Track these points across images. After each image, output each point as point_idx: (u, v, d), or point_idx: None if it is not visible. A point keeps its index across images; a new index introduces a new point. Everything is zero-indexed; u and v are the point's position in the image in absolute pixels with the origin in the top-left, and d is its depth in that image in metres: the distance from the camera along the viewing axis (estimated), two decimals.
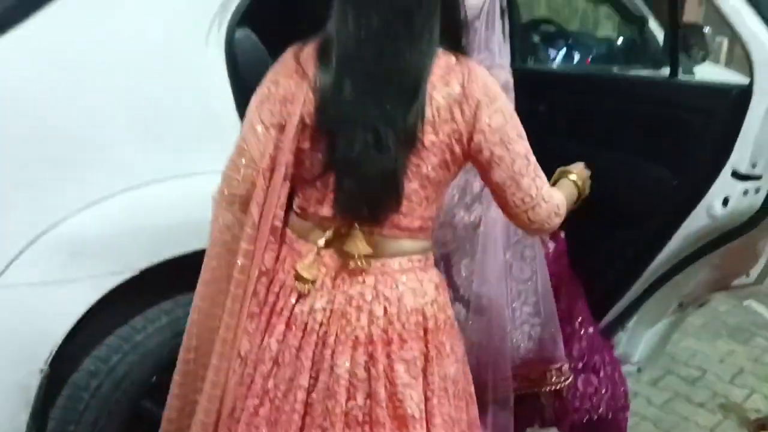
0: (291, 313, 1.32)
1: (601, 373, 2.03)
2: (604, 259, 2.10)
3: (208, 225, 1.69)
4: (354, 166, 1.21)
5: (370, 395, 1.28)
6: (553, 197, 1.32)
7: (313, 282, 1.30)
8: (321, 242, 1.31)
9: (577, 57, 3.27)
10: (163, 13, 1.67)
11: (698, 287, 2.08)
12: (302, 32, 1.35)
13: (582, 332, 2.01)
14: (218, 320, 1.40)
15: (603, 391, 2.02)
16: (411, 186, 1.25)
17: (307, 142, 1.27)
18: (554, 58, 3.20)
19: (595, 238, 2.05)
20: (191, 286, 1.76)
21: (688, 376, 3.21)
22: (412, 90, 1.19)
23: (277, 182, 1.29)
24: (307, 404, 1.30)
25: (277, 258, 1.36)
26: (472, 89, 1.22)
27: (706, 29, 2.79)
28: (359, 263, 1.28)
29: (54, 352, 1.57)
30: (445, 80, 1.22)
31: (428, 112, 1.20)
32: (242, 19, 1.79)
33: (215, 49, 1.73)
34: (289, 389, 1.31)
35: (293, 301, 1.32)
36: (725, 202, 1.76)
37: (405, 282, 1.31)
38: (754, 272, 2.06)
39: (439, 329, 1.33)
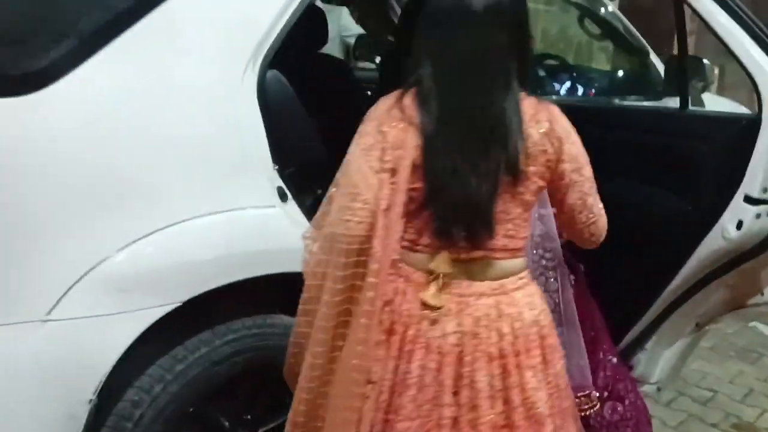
0: (426, 340, 1.43)
1: (626, 401, 2.08)
2: (622, 283, 2.17)
3: (244, 258, 1.80)
4: (468, 201, 1.37)
5: (507, 402, 1.43)
6: (603, 211, 1.52)
7: (440, 308, 1.43)
8: (444, 270, 1.44)
9: (581, 90, 3.39)
10: (203, 58, 1.77)
11: (715, 307, 2.16)
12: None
13: (606, 361, 2.07)
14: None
15: (628, 418, 2.08)
16: (516, 211, 1.43)
17: (419, 182, 1.39)
18: (559, 91, 3.31)
19: (614, 263, 2.12)
20: (227, 317, 1.85)
21: (701, 397, 3.26)
22: (509, 131, 1.37)
23: (394, 220, 1.39)
24: (454, 419, 1.43)
25: (395, 289, 1.47)
26: (556, 125, 1.42)
27: (706, 61, 2.91)
28: (494, 288, 1.45)
29: (102, 383, 1.63)
30: (536, 118, 1.40)
31: (527, 146, 1.38)
32: (272, 61, 1.90)
33: (249, 90, 1.83)
34: (434, 408, 1.43)
35: (425, 327, 1.44)
36: (739, 225, 1.86)
37: (520, 298, 1.48)
38: None
39: (549, 334, 1.51)
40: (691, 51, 1.99)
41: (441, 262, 1.43)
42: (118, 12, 1.68)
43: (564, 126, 1.44)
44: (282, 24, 1.88)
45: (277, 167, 1.89)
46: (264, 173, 1.86)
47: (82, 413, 1.62)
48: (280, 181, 1.91)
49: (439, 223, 1.41)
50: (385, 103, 1.45)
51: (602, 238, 1.54)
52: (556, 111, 1.44)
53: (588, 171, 1.47)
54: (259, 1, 1.86)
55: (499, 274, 1.46)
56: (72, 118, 1.60)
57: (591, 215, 1.50)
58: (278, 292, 2.02)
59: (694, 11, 1.93)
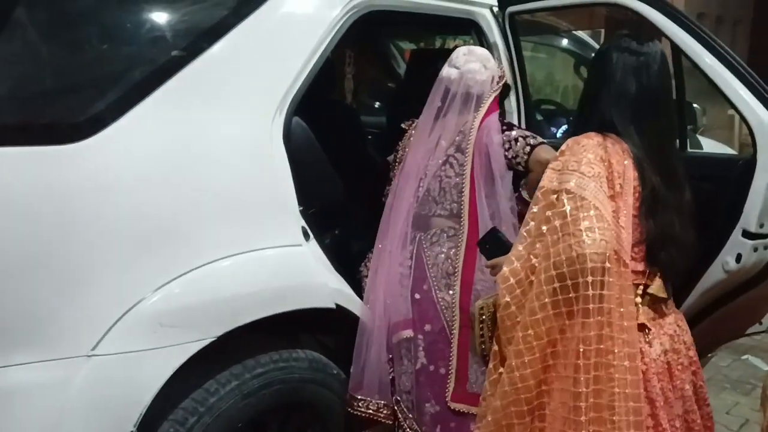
0: (650, 361, 1.56)
1: None
2: None
3: (274, 294, 1.89)
4: (673, 238, 1.58)
5: (697, 402, 1.67)
6: None
7: (650, 330, 1.58)
8: (661, 294, 1.62)
9: None
10: (236, 107, 1.89)
11: (716, 336, 2.27)
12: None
13: None
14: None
15: None
16: None
17: (633, 210, 1.54)
18: (555, 134, 3.46)
19: None
20: (256, 352, 1.93)
21: None
22: (683, 183, 1.63)
23: (629, 239, 1.50)
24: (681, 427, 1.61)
25: None
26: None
27: (696, 106, 3.07)
28: (667, 307, 1.65)
29: (142, 415, 1.70)
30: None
31: None
32: (296, 108, 2.02)
33: (277, 137, 1.95)
34: (670, 421, 1.59)
35: (646, 350, 1.57)
36: (738, 258, 1.98)
37: (679, 312, 1.72)
38: (767, 320, 2.27)
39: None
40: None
41: (659, 288, 1.60)
42: (156, 67, 1.80)
43: None
44: (305, 74, 2.01)
45: (301, 208, 2.00)
46: (291, 214, 1.97)
47: None
48: (303, 221, 2.02)
49: (665, 256, 1.58)
50: (590, 139, 1.55)
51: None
52: None
53: None
54: (287, 53, 1.99)
55: (670, 294, 1.66)
56: (114, 165, 1.70)
57: None
58: (300, 327, 2.13)
59: (689, 59, 2.07)
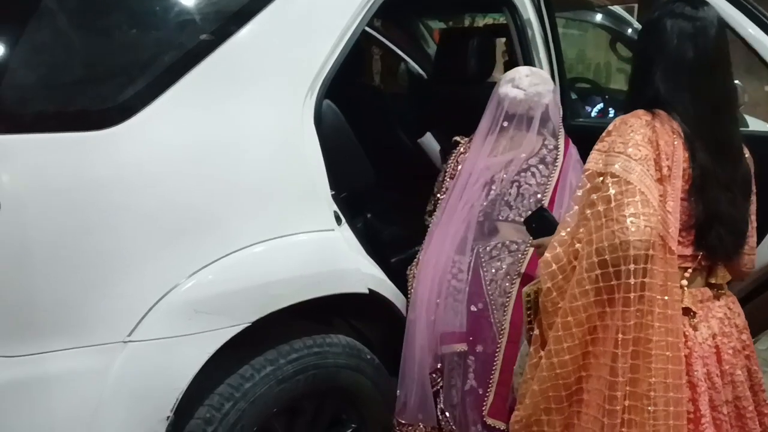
0: (694, 345, 1.52)
1: None
2: None
3: (309, 279, 1.88)
4: (722, 218, 1.52)
5: (751, 388, 1.61)
6: None
7: (695, 314, 1.53)
8: (723, 281, 1.60)
9: (612, 112, 3.46)
10: (266, 92, 1.87)
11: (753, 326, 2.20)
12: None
13: None
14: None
15: None
16: None
17: (682, 194, 1.49)
18: (590, 113, 3.39)
19: None
20: (290, 337, 1.93)
21: None
22: (740, 154, 1.58)
23: (677, 224, 1.46)
24: (729, 414, 1.56)
25: None
26: (749, 155, 1.62)
27: (737, 83, 2.97)
28: (718, 291, 1.60)
29: (178, 401, 1.70)
30: (742, 145, 1.60)
31: None
32: (327, 91, 1.99)
33: (308, 121, 1.92)
34: (715, 407, 1.54)
35: (690, 334, 1.52)
36: None
37: (732, 295, 1.66)
38: None
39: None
40: None
41: (723, 276, 1.59)
42: (184, 52, 1.79)
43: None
44: (336, 56, 1.98)
45: (333, 192, 1.98)
46: (324, 198, 1.95)
47: (161, 430, 1.69)
48: (335, 205, 2.00)
49: (713, 238, 1.52)
50: (638, 119, 1.49)
51: (752, 269, 1.72)
52: None
53: None
54: (316, 35, 1.96)
55: (726, 277, 1.62)
56: (146, 151, 1.69)
57: (754, 242, 1.68)
58: (334, 312, 2.12)
59: (732, 30, 2.00)
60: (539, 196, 2.13)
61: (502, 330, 2.08)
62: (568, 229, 1.47)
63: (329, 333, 2.05)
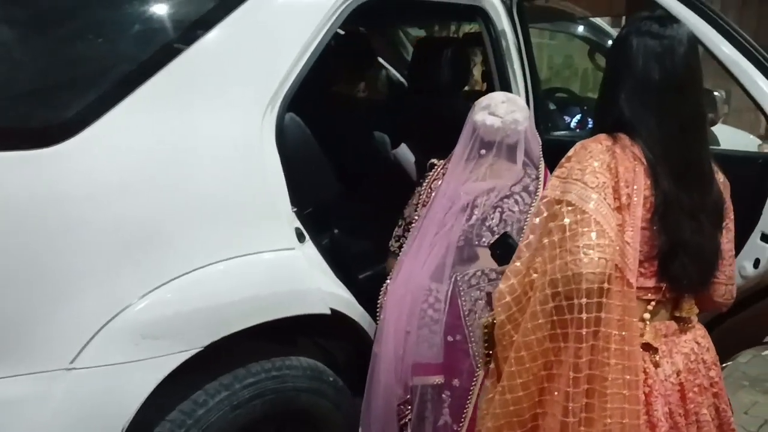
0: (654, 383, 1.44)
1: None
2: None
3: (264, 301, 1.81)
4: (686, 247, 1.42)
5: (720, 427, 1.54)
6: None
7: (657, 350, 1.46)
8: (691, 314, 1.52)
9: (591, 123, 3.41)
10: (223, 106, 1.80)
11: (732, 344, 2.16)
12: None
13: None
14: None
15: None
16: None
17: (643, 222, 1.41)
18: (569, 124, 3.34)
19: None
20: (247, 360, 1.85)
21: None
22: (709, 179, 1.48)
23: (636, 255, 1.37)
24: None
25: None
26: (724, 177, 1.54)
27: (716, 94, 2.92)
28: (686, 324, 1.52)
29: (125, 429, 1.63)
30: (714, 170, 1.51)
31: None
32: (289, 104, 1.93)
33: (268, 135, 1.86)
34: None
35: (651, 371, 1.44)
36: (756, 263, 1.87)
37: (702, 329, 1.57)
38: None
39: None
40: None
41: (689, 308, 1.51)
42: (139, 62, 1.72)
43: (726, 179, 1.56)
44: (300, 67, 1.92)
45: (295, 209, 1.91)
46: (284, 215, 1.88)
47: None
48: (298, 222, 1.93)
49: (677, 268, 1.43)
50: (598, 144, 1.42)
51: (732, 301, 1.62)
52: None
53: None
54: (279, 46, 1.90)
55: (693, 310, 1.54)
56: (94, 168, 1.62)
57: (732, 272, 1.59)
58: (295, 334, 2.04)
59: (702, 45, 1.95)
60: (522, 224, 2.06)
61: (480, 363, 2.00)
62: (523, 259, 1.40)
63: (293, 353, 1.98)
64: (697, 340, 1.53)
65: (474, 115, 2.16)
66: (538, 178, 2.15)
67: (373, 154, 3.03)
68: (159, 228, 1.68)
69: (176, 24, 1.82)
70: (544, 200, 1.40)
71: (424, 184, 2.25)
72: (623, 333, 1.32)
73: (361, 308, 2.10)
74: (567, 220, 1.32)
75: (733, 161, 1.60)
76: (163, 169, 1.70)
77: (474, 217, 2.08)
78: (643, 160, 1.40)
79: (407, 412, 2.07)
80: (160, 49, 1.75)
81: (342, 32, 2.99)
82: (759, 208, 1.85)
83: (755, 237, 1.88)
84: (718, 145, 2.67)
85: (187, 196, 1.73)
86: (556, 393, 1.34)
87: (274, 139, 1.87)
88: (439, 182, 2.20)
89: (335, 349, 2.23)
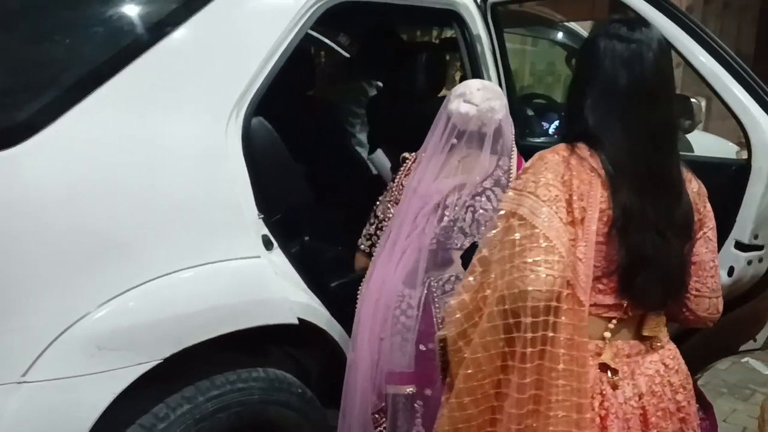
0: (611, 405, 1.37)
1: None
2: None
3: (228, 311, 1.76)
4: (649, 262, 1.34)
5: None
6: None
7: (617, 371, 1.37)
8: (656, 333, 1.43)
9: None
10: (185, 110, 1.75)
11: (706, 353, 2.13)
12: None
13: None
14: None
15: None
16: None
17: (600, 237, 1.33)
18: (547, 130, 3.31)
19: None
20: (211, 372, 1.79)
21: None
22: (677, 190, 1.40)
23: (589, 273, 1.31)
24: None
25: None
26: (701, 185, 1.47)
27: (694, 101, 2.91)
28: (653, 344, 1.43)
29: None
30: (688, 178, 1.44)
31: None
32: (257, 108, 1.88)
33: (233, 140, 1.81)
34: None
35: (609, 393, 1.37)
36: (730, 271, 1.84)
37: (673, 348, 1.48)
38: (761, 337, 2.11)
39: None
40: (677, 83, 2.00)
41: (655, 326, 1.43)
42: (97, 63, 1.67)
43: (703, 185, 1.49)
44: (267, 71, 1.87)
45: (262, 216, 1.86)
46: (250, 222, 1.83)
47: None
48: (266, 229, 1.88)
49: (638, 284, 1.36)
50: (555, 155, 1.37)
51: (717, 318, 1.52)
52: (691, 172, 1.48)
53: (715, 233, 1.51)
54: (244, 49, 1.85)
55: (660, 330, 1.46)
56: (49, 173, 1.56)
57: (716, 284, 1.49)
58: (263, 344, 1.99)
59: (679, 54, 1.93)
60: None
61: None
62: (476, 274, 1.35)
63: (263, 364, 1.92)
64: (664, 361, 1.45)
65: (448, 104, 2.06)
66: (509, 169, 2.07)
67: (348, 159, 2.98)
68: (118, 235, 1.63)
69: (137, 25, 1.77)
70: (500, 213, 1.35)
71: (396, 179, 2.18)
72: (573, 353, 1.26)
73: (331, 317, 2.05)
74: (517, 235, 1.28)
75: (705, 168, 1.56)
76: (122, 175, 1.65)
77: (446, 218, 2.01)
78: (601, 171, 1.34)
79: (382, 421, 2.03)
80: (120, 50, 1.71)
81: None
82: (732, 215, 1.83)
83: (729, 245, 1.85)
84: (692, 151, 2.64)
85: (148, 202, 1.67)
86: (503, 414, 1.29)
87: (240, 143, 1.82)
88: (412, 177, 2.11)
89: (307, 359, 2.17)
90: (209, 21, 1.80)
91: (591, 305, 1.34)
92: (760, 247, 1.84)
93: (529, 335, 1.23)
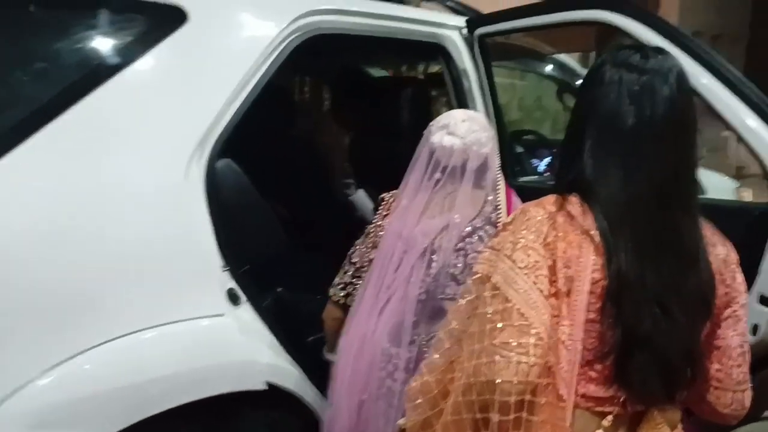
0: None
1: None
2: None
3: (188, 377, 1.56)
4: (645, 343, 1.09)
5: None
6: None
7: None
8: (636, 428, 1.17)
9: None
10: (139, 153, 1.58)
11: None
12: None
13: None
14: None
15: None
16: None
17: (593, 312, 1.11)
18: (538, 167, 3.16)
19: None
20: None
21: None
22: (691, 254, 1.13)
23: (574, 360, 1.10)
24: None
25: None
26: (732, 249, 1.21)
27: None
28: None
29: None
30: (712, 241, 1.18)
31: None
32: (223, 149, 1.70)
33: (195, 185, 1.63)
34: None
35: None
36: (754, 330, 1.62)
37: None
38: None
39: None
40: None
41: (658, 424, 1.16)
42: (41, 102, 1.50)
43: (734, 249, 1.22)
44: (234, 110, 1.70)
45: (228, 268, 1.67)
46: (213, 276, 1.65)
47: None
48: (232, 282, 1.69)
49: (634, 372, 1.11)
50: (541, 209, 1.15)
51: (744, 413, 1.25)
52: (722, 234, 1.23)
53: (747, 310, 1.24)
54: (207, 86, 1.69)
55: (672, 426, 1.19)
56: None
57: (743, 375, 1.22)
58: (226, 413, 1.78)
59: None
60: None
61: None
62: (442, 351, 1.15)
63: (236, 429, 1.73)
64: None
65: (430, 136, 1.85)
66: (498, 206, 1.86)
67: (327, 200, 2.81)
68: (63, 294, 1.44)
69: (88, 59, 1.61)
70: (475, 276, 1.14)
71: (374, 222, 1.95)
72: None
73: (305, 377, 1.85)
74: (489, 309, 1.07)
75: (722, 213, 1.35)
76: (67, 224, 1.46)
77: (434, 265, 1.79)
78: (594, 233, 1.11)
79: None
80: (68, 86, 1.54)
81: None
82: (755, 266, 1.61)
83: (752, 300, 1.62)
84: (705, 193, 2.46)
85: (97, 254, 1.49)
86: None
87: (203, 187, 1.64)
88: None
89: (284, 421, 1.96)
90: (168, 56, 1.64)
91: (581, 397, 1.12)
92: None
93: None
